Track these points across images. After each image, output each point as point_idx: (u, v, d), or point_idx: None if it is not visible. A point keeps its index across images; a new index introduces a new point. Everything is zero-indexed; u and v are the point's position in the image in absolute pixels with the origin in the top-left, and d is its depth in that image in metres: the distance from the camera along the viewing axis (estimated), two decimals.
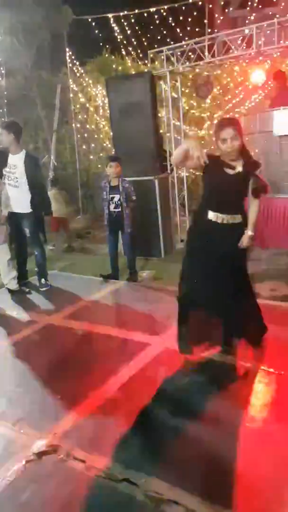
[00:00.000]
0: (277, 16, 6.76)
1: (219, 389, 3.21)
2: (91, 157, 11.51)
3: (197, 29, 8.89)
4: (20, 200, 5.47)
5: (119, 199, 5.63)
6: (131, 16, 9.73)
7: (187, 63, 7.45)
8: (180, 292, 3.56)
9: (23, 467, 2.54)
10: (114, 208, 5.67)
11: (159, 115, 7.79)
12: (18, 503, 2.30)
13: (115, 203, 5.66)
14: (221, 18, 9.55)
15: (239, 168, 3.16)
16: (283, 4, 12.18)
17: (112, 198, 5.65)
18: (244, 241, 3.27)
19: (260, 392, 3.18)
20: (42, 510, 2.26)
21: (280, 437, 2.64)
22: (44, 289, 5.77)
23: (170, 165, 7.82)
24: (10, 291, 5.68)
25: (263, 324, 3.59)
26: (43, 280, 5.84)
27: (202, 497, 2.20)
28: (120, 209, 5.66)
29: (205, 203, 3.33)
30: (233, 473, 2.37)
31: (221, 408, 2.98)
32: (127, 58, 11.10)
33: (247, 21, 8.94)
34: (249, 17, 9.67)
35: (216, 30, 8.61)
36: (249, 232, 3.26)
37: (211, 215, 3.23)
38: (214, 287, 3.32)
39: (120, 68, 11.51)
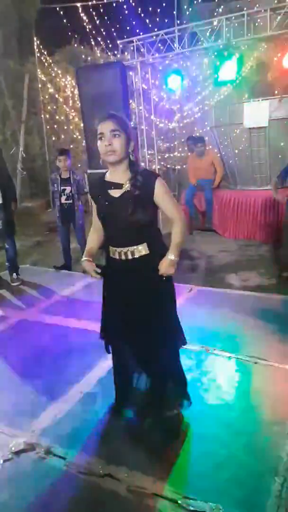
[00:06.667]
0: (245, 8, 6.80)
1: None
2: None
3: (166, 20, 8.84)
4: None
5: (71, 191, 5.76)
6: (100, 5, 9.63)
7: (157, 54, 7.44)
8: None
9: (1, 467, 2.48)
10: (66, 200, 5.80)
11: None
12: None
13: (67, 195, 5.78)
14: (190, 9, 9.51)
15: (127, 187, 2.36)
16: None
17: (64, 190, 5.78)
18: (162, 266, 2.44)
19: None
20: (21, 510, 2.21)
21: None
22: (15, 284, 5.65)
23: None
24: None
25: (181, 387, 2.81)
26: (14, 275, 5.71)
27: (186, 490, 2.20)
28: (71, 201, 5.79)
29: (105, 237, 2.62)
30: (215, 465, 2.38)
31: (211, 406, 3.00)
32: (96, 48, 10.97)
33: (215, 14, 8.93)
34: (216, 10, 9.68)
35: (185, 22, 8.59)
36: (169, 256, 2.43)
37: (111, 250, 2.51)
38: (126, 340, 2.67)
39: (89, 58, 11.37)
